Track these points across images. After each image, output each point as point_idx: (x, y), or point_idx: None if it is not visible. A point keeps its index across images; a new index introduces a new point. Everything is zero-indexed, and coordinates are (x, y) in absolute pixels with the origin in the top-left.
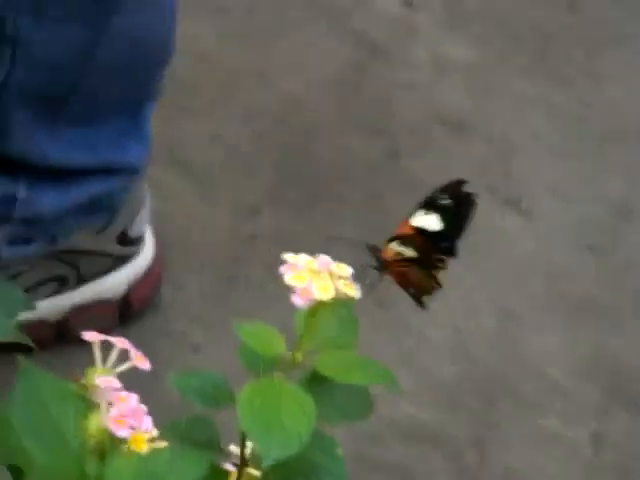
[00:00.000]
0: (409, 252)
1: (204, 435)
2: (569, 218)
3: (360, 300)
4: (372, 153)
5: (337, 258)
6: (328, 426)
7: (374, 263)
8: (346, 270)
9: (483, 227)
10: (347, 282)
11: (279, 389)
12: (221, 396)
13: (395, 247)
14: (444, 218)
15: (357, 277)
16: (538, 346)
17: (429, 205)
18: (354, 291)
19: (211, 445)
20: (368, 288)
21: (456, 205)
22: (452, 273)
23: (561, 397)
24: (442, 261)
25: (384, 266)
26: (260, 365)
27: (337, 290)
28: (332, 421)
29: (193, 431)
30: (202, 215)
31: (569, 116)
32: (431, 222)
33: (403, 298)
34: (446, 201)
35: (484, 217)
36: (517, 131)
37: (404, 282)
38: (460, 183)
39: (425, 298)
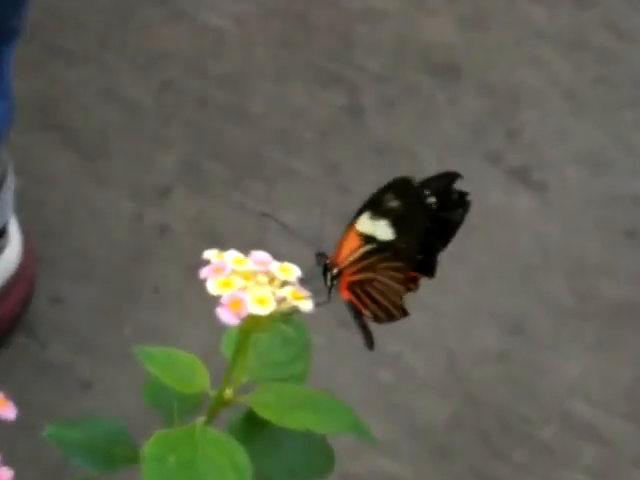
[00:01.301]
0: (387, 233)
1: None
2: (597, 193)
3: (314, 315)
4: (324, 108)
5: (278, 254)
6: None
7: (324, 275)
8: (293, 271)
9: (482, 208)
10: (295, 289)
11: (200, 440)
12: (118, 453)
13: (365, 224)
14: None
15: (308, 281)
16: (559, 372)
17: (411, 203)
18: (305, 302)
19: None
20: (322, 298)
21: (444, 206)
22: (442, 272)
23: (591, 443)
24: (413, 280)
25: (334, 278)
26: (173, 406)
27: (280, 301)
28: None
29: None
30: (91, 199)
31: (595, 54)
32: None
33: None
34: (430, 199)
35: (483, 194)
36: (524, 76)
37: (360, 300)
38: (450, 176)
39: (382, 324)
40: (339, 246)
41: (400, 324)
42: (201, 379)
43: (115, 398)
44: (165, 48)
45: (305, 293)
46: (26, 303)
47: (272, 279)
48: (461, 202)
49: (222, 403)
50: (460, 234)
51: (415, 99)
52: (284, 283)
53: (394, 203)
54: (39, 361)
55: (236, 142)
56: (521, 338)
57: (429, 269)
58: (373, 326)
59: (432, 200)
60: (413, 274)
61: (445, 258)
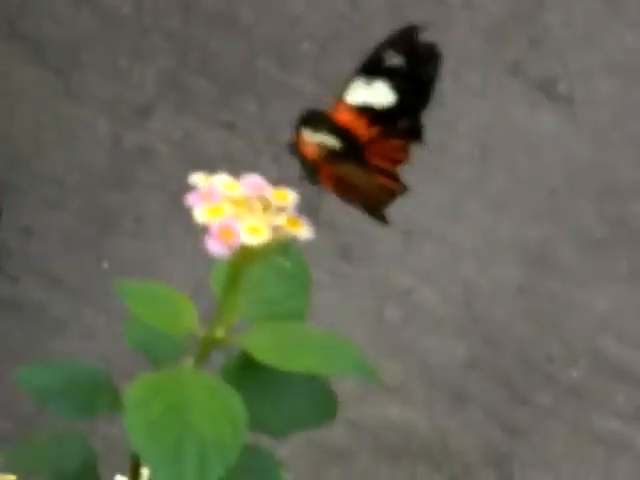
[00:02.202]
0: (331, 141)
1: (73, 461)
2: (631, 106)
3: (314, 246)
4: (323, 15)
5: (272, 180)
6: (270, 438)
7: (300, 170)
8: (290, 197)
9: (501, 126)
10: (292, 216)
11: (189, 384)
12: (98, 399)
13: (311, 137)
14: (396, 85)
15: (306, 208)
16: (587, 306)
17: (372, 69)
18: (304, 230)
19: (84, 476)
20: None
21: (411, 63)
22: (456, 199)
23: (624, 385)
24: (403, 150)
25: (314, 171)
26: (158, 348)
27: (276, 230)
28: (275, 430)
29: (56, 455)
30: (63, 119)
31: None
32: (378, 94)
33: (378, 237)
34: (396, 60)
35: (502, 110)
36: None
37: (344, 192)
38: (413, 30)
39: (384, 208)
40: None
41: (410, 255)
42: (189, 317)
43: (93, 340)
44: None
45: (304, 221)
46: None
47: (266, 206)
48: (431, 55)
49: (213, 344)
50: (476, 155)
51: (424, 2)
52: (280, 210)
53: (396, 60)
54: (8, 298)
55: (224, 55)
56: (544, 270)
57: (416, 134)
58: (379, 259)
59: (398, 60)
60: (401, 142)
61: (460, 183)
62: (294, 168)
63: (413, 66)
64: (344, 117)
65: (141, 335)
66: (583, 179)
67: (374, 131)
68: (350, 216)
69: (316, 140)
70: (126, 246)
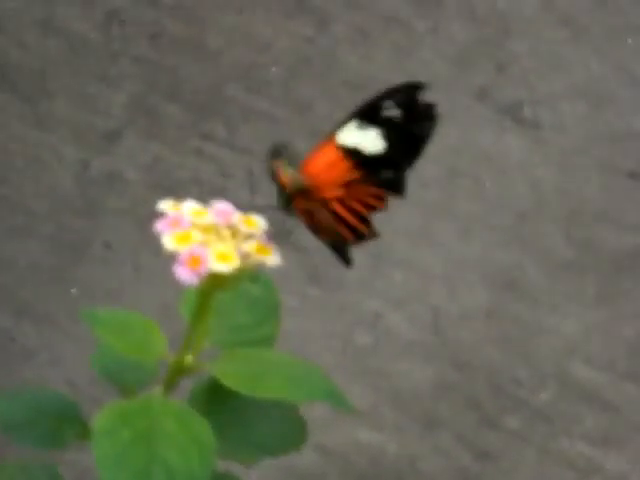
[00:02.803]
0: (299, 180)
1: None
2: (597, 131)
3: (283, 272)
4: (291, 41)
5: (241, 205)
6: (239, 464)
7: (277, 197)
8: (259, 223)
9: (469, 150)
10: (261, 243)
11: (158, 412)
12: (66, 429)
13: (286, 170)
14: (388, 136)
15: (276, 234)
16: (555, 330)
17: (368, 115)
18: (273, 257)
19: None
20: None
21: (408, 118)
22: (425, 223)
23: (592, 408)
24: (380, 199)
25: (288, 201)
26: (127, 376)
27: (245, 256)
28: (245, 457)
29: None
30: (30, 145)
31: None
32: (369, 140)
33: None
34: (393, 111)
35: (470, 134)
36: (514, 1)
37: (313, 227)
38: (415, 87)
39: (350, 248)
40: (311, 159)
41: (379, 280)
42: (158, 345)
43: (61, 368)
44: None
45: (272, 247)
46: None
47: (235, 232)
48: (428, 115)
49: (182, 371)
50: (444, 179)
51: (391, 28)
52: (249, 236)
53: (394, 112)
54: None
55: (193, 80)
56: (513, 294)
57: (397, 187)
58: (348, 283)
59: (395, 113)
60: (381, 192)
61: (428, 207)
62: (263, 193)
63: (409, 122)
64: (330, 154)
65: (109, 363)
66: (550, 203)
67: (357, 174)
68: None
69: (353, 141)
70: (95, 272)
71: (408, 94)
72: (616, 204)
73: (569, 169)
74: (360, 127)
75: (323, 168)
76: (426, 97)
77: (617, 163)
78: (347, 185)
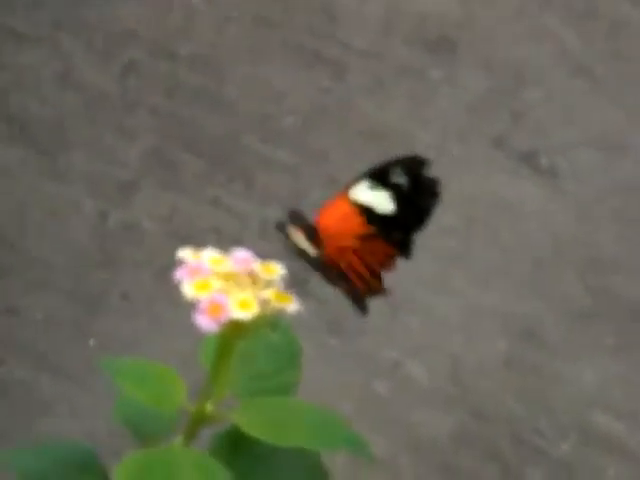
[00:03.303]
0: (303, 243)
1: None
2: (614, 180)
3: (302, 320)
4: (306, 91)
5: (260, 254)
6: None
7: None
8: (277, 270)
9: (486, 198)
10: (280, 290)
11: (179, 463)
12: (85, 479)
13: (292, 233)
14: (397, 200)
15: (293, 282)
16: (575, 379)
17: (379, 177)
18: (292, 303)
19: None
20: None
21: (413, 189)
22: (441, 271)
23: (614, 458)
24: (391, 257)
25: (318, 263)
26: (147, 426)
27: (265, 303)
28: None
29: None
30: (47, 198)
31: (607, 23)
32: (380, 201)
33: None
34: (401, 179)
35: (486, 182)
36: (528, 50)
37: (330, 280)
38: (419, 162)
39: (365, 300)
40: (325, 212)
41: (397, 329)
42: (178, 394)
43: (80, 420)
44: (127, 27)
45: (291, 294)
46: None
47: (255, 280)
48: (432, 190)
49: (202, 420)
50: (461, 227)
51: (407, 78)
52: (268, 284)
53: (401, 179)
54: None
55: (209, 130)
56: (531, 343)
57: (405, 248)
58: (366, 332)
59: (403, 180)
60: (391, 250)
61: (445, 255)
62: (281, 242)
63: (414, 192)
64: (345, 207)
65: (130, 413)
66: (567, 252)
67: (369, 230)
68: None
69: (365, 199)
70: (112, 323)
71: (412, 168)
72: (633, 253)
73: (586, 218)
74: (372, 187)
75: (338, 219)
76: (430, 172)
77: (633, 212)
78: (361, 239)
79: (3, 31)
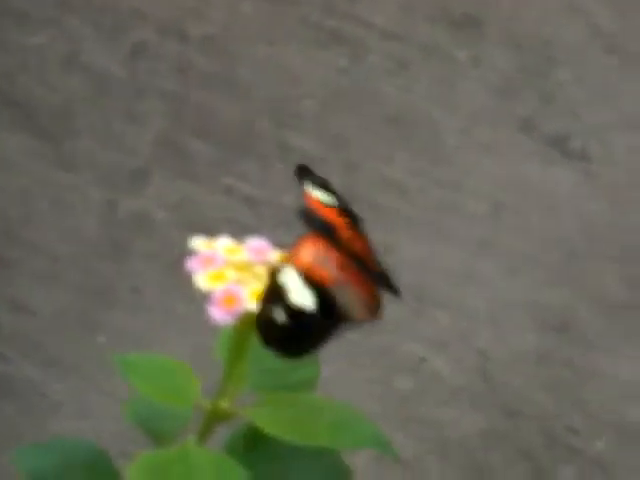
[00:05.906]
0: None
1: None
2: None
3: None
4: (325, 73)
5: (276, 244)
6: None
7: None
8: None
9: (514, 184)
10: None
11: (194, 462)
12: (97, 479)
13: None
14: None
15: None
16: (610, 375)
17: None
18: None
19: None
20: None
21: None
22: (469, 262)
23: None
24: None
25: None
26: (161, 424)
27: None
28: None
29: None
30: (54, 187)
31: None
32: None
33: (388, 302)
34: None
35: (515, 168)
36: (558, 27)
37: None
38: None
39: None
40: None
41: (422, 323)
42: (192, 390)
43: (90, 419)
44: (136, 7)
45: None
46: None
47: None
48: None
49: (218, 417)
50: (488, 215)
51: (431, 59)
52: None
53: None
54: (1, 377)
55: (223, 116)
56: (564, 336)
57: (390, 285)
58: (389, 326)
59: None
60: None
61: (471, 244)
62: (298, 231)
63: None
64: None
65: (142, 410)
66: (601, 239)
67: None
68: None
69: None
70: (123, 319)
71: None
72: None
73: (620, 203)
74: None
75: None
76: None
77: None
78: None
79: (6, 12)
